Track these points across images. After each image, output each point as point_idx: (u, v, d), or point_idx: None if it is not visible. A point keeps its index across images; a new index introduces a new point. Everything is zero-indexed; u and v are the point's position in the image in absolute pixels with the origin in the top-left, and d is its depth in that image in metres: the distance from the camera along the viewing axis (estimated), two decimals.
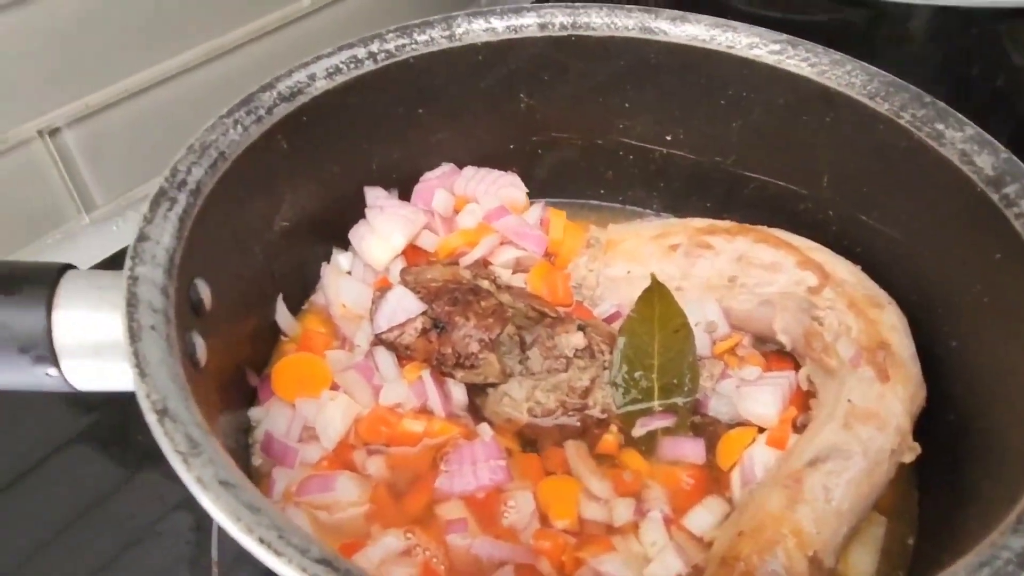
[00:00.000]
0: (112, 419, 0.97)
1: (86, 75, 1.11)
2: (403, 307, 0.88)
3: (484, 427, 0.86)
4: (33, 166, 1.11)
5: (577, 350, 0.89)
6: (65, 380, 0.65)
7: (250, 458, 0.83)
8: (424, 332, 0.88)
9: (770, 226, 1.07)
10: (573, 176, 1.17)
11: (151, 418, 0.53)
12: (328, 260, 1.02)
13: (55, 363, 0.64)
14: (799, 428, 0.86)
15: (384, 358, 0.88)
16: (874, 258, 0.95)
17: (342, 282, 0.97)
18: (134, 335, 0.59)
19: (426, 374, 0.86)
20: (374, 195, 1.04)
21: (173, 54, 1.19)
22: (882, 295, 0.89)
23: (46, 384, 0.66)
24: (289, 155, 0.89)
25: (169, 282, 0.66)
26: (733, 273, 0.94)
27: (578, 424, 0.89)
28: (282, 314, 0.93)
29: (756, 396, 0.87)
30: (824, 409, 0.82)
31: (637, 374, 0.88)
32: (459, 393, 0.88)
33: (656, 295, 0.88)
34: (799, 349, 0.92)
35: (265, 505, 0.50)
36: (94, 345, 0.64)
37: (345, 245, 1.03)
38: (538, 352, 0.89)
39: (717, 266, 0.95)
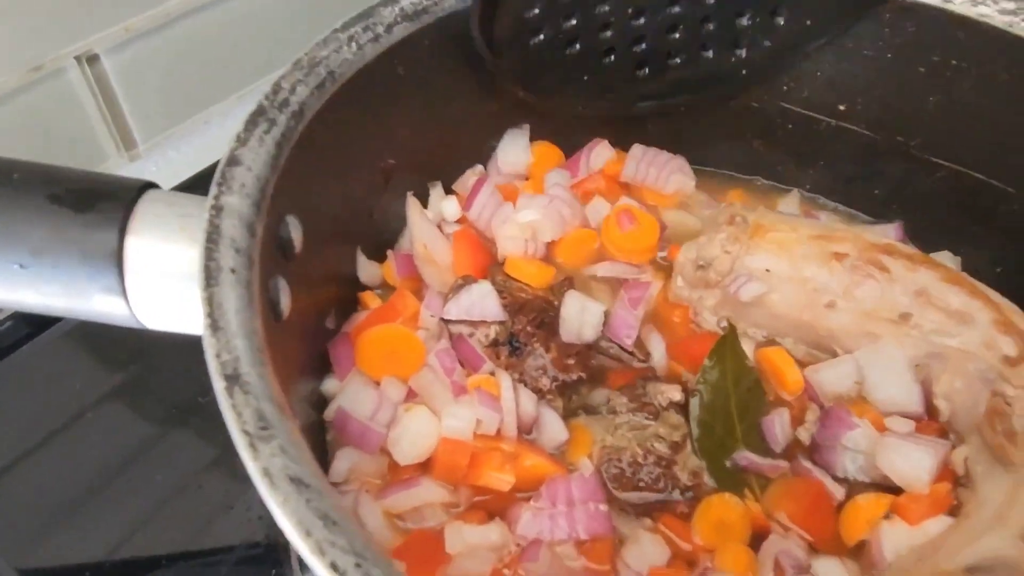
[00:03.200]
0: (144, 376, 0.91)
1: None
2: (483, 307, 0.76)
3: (585, 462, 0.72)
4: (71, 97, 1.01)
5: (672, 402, 0.75)
6: (133, 314, 0.57)
7: (324, 434, 0.74)
8: (495, 344, 0.76)
9: (957, 229, 0.90)
10: (711, 140, 1.00)
11: (219, 384, 0.44)
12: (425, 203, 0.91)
13: (123, 294, 0.56)
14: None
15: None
16: None
17: (424, 219, 0.86)
18: (211, 277, 0.49)
19: (506, 381, 0.72)
20: (555, 178, 0.93)
21: None
22: None
23: (113, 316, 0.57)
24: (405, 83, 0.78)
25: (258, 217, 0.56)
26: (907, 310, 0.76)
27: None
28: (363, 263, 0.83)
29: (907, 452, 0.70)
30: (989, 508, 0.65)
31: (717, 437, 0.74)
32: (554, 424, 0.73)
33: (729, 346, 0.75)
34: (959, 423, 0.74)
35: (343, 518, 0.40)
36: (168, 280, 0.55)
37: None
38: (625, 399, 0.75)
39: (889, 295, 0.77)
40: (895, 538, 0.66)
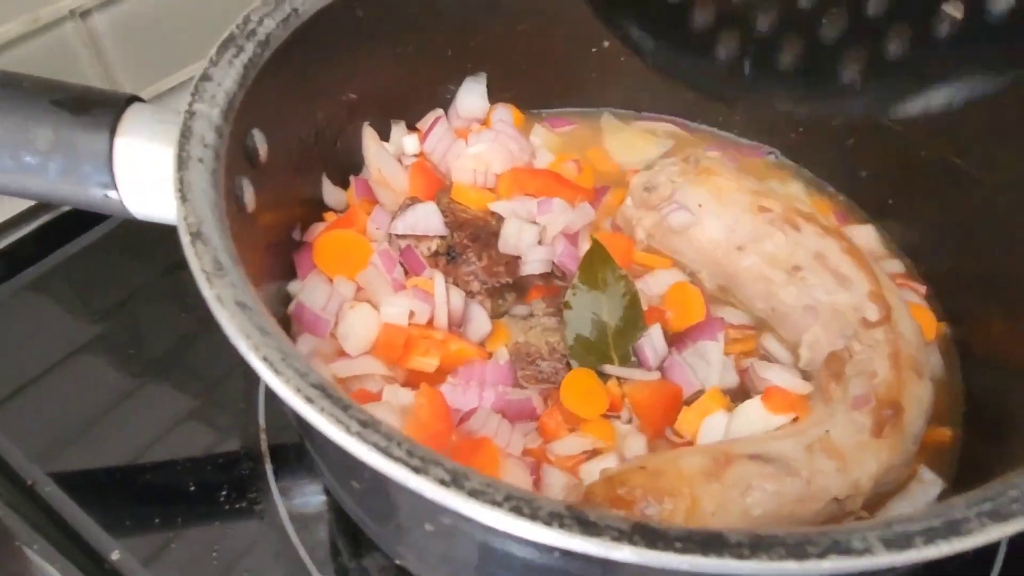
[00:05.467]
0: (120, 331, 0.99)
1: None
2: (426, 222, 0.88)
3: (502, 351, 0.84)
4: (65, 49, 1.07)
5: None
6: (122, 203, 0.69)
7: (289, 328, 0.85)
8: (435, 254, 0.88)
9: (853, 169, 1.01)
10: (650, 90, 1.12)
11: (185, 239, 0.56)
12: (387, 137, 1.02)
13: (114, 186, 0.68)
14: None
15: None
16: (957, 209, 0.89)
17: (380, 147, 0.97)
18: (182, 163, 0.61)
19: (439, 279, 0.85)
20: (499, 115, 1.05)
21: None
22: (928, 369, 0.81)
23: (106, 205, 0.69)
24: (365, 25, 0.89)
25: (225, 123, 0.67)
26: (801, 263, 0.86)
27: None
28: (328, 187, 0.94)
29: (779, 369, 0.84)
30: (798, 426, 0.76)
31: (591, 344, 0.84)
32: (480, 318, 0.86)
33: (596, 257, 0.86)
34: (812, 368, 0.84)
35: (276, 330, 0.52)
36: (150, 173, 0.67)
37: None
38: (544, 304, 0.87)
39: (790, 249, 0.87)
40: (715, 424, 0.78)
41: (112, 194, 0.69)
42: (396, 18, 0.92)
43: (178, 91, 1.24)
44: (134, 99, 0.71)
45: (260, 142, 0.76)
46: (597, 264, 0.86)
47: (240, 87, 0.71)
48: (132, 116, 0.68)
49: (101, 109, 0.68)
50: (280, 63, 0.77)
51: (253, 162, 0.75)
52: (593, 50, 1.08)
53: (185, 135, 0.64)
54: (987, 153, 0.84)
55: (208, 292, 0.52)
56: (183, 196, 0.59)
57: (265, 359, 0.49)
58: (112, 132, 0.67)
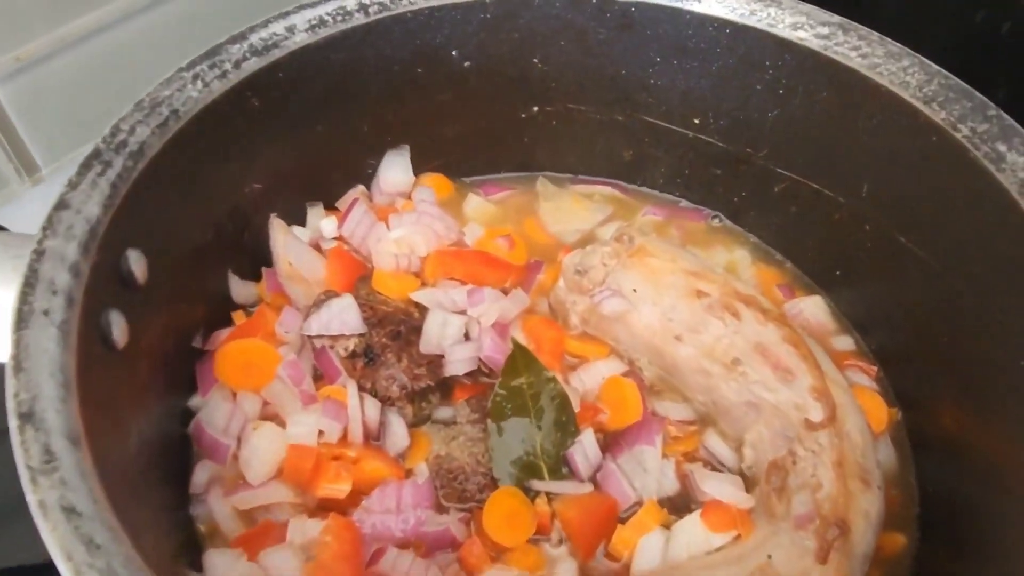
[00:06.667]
0: None
1: (15, 27, 1.01)
2: (343, 320, 0.81)
3: (422, 467, 0.77)
4: None
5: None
6: None
7: (191, 447, 0.79)
8: (352, 355, 0.81)
9: (799, 237, 0.96)
10: (588, 153, 1.06)
11: (12, 423, 0.49)
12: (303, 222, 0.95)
13: None
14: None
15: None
16: (904, 285, 0.83)
17: (290, 239, 0.89)
18: (22, 320, 0.54)
19: (352, 390, 0.78)
20: (421, 195, 0.99)
21: None
22: (876, 475, 0.76)
23: None
24: (263, 113, 0.82)
25: (84, 258, 0.61)
26: (740, 356, 0.81)
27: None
28: (235, 283, 0.87)
29: (720, 479, 0.78)
30: (738, 549, 0.70)
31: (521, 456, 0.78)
32: (398, 431, 0.79)
33: (520, 361, 0.80)
34: (757, 470, 0.79)
35: (112, 540, 0.45)
36: None
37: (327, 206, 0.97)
38: (468, 410, 0.80)
39: (730, 340, 0.82)
40: (652, 544, 0.72)
41: None
42: (300, 101, 0.86)
43: None
44: None
45: (137, 262, 0.69)
46: (521, 368, 0.80)
47: (107, 209, 0.65)
48: None
49: None
50: (159, 173, 0.71)
51: (130, 286, 0.68)
52: (522, 116, 1.02)
53: (30, 282, 0.57)
54: (930, 234, 0.79)
55: (31, 496, 0.46)
56: (18, 366, 0.52)
57: None
58: None
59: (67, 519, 0.45)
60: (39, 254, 0.59)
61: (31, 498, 0.45)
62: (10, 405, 0.50)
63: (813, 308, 0.95)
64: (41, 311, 0.55)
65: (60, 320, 0.56)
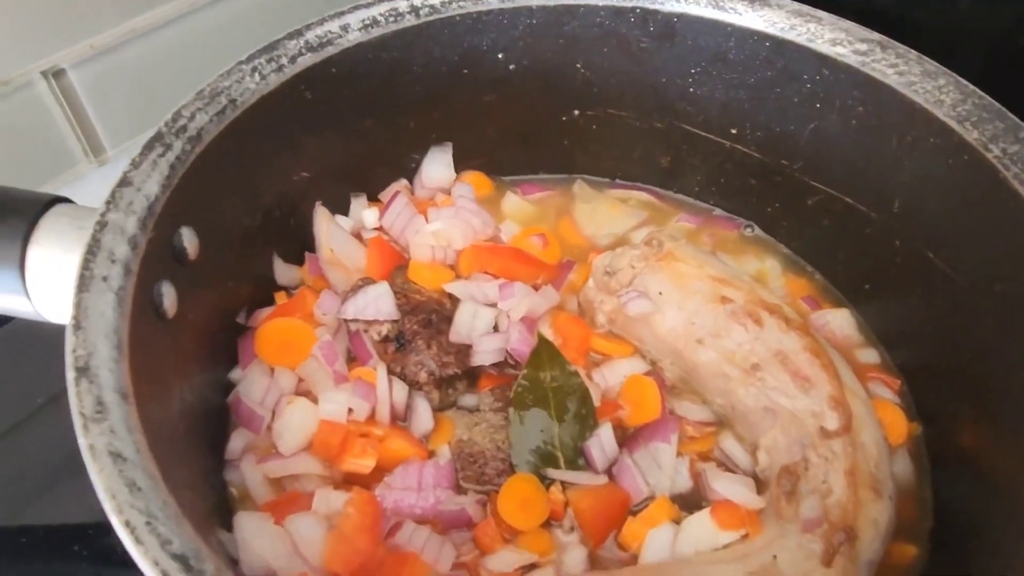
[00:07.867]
0: None
1: (91, 16, 1.08)
2: (378, 306, 0.85)
3: (444, 449, 0.81)
4: (39, 108, 1.10)
5: None
6: (36, 311, 0.67)
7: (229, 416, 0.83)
8: (384, 339, 0.84)
9: (830, 250, 0.97)
10: (625, 158, 1.08)
11: (69, 375, 0.54)
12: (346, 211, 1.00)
13: (26, 295, 0.66)
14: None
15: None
16: (931, 301, 0.83)
17: (333, 226, 0.94)
18: (83, 284, 0.59)
19: (382, 373, 0.81)
20: (461, 191, 1.02)
21: None
22: (888, 487, 0.76)
23: (19, 312, 0.68)
24: (314, 106, 0.87)
25: (142, 231, 0.66)
26: (760, 363, 0.81)
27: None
28: (279, 266, 0.92)
29: (732, 479, 0.79)
30: (744, 547, 0.71)
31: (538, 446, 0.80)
32: (424, 414, 0.82)
33: (544, 355, 0.82)
34: (765, 476, 0.80)
35: (151, 487, 0.49)
36: (62, 285, 0.65)
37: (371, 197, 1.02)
38: (491, 399, 0.83)
39: (751, 346, 0.83)
40: (661, 538, 0.74)
41: (24, 303, 0.67)
42: (350, 96, 0.90)
43: None
44: (57, 200, 0.69)
45: (189, 239, 0.74)
46: (545, 361, 0.83)
47: (164, 188, 0.69)
48: (48, 223, 0.67)
49: (15, 217, 0.66)
50: (214, 157, 0.75)
51: (182, 261, 0.73)
52: (563, 119, 1.05)
53: (92, 250, 0.62)
54: (958, 251, 0.79)
55: (82, 440, 0.50)
56: (77, 324, 0.57)
57: (127, 523, 0.47)
58: (25, 242, 0.65)
59: (113, 462, 0.49)
60: (101, 225, 0.64)
61: (82, 442, 0.50)
62: (68, 360, 0.55)
63: (840, 320, 0.95)
64: (101, 277, 0.60)
65: (117, 287, 0.61)
